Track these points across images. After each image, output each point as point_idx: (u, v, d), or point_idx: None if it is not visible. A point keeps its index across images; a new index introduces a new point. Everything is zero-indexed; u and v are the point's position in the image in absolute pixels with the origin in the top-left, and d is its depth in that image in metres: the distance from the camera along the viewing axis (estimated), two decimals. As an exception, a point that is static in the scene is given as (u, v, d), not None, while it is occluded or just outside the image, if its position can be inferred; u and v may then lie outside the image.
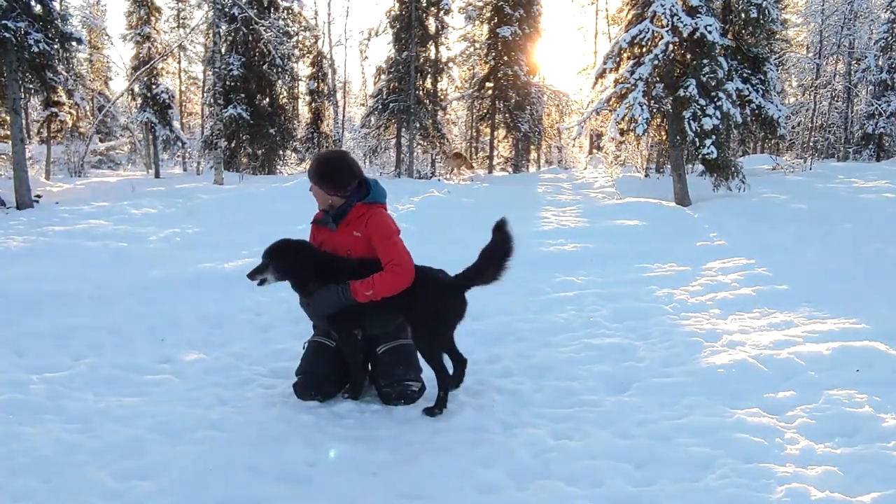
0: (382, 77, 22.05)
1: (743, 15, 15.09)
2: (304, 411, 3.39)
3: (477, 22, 24.26)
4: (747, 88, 14.77)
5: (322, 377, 3.56)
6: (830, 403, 3.30)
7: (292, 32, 24.60)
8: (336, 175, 3.58)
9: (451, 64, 22.88)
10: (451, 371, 3.61)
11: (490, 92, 24.10)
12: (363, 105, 30.53)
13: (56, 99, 17.98)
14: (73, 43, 13.46)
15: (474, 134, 27.69)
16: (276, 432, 3.11)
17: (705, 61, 12.25)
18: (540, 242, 8.62)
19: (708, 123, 12.08)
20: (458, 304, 3.60)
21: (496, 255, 3.53)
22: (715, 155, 12.20)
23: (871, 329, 4.41)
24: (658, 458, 2.85)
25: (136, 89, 23.67)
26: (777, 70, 18.43)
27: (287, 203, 11.81)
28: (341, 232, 3.56)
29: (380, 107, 21.71)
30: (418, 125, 21.22)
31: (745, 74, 15.12)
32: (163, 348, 4.35)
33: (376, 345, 3.62)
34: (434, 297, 3.49)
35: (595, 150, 27.39)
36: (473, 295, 5.99)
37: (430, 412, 3.39)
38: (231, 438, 3.01)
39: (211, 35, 18.92)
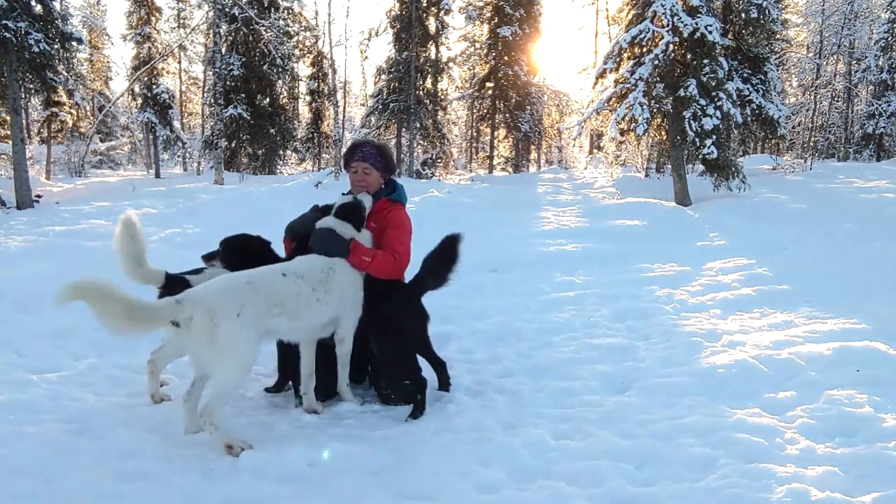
0: (383, 77, 22.06)
1: (743, 15, 15.11)
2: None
3: (477, 22, 24.27)
4: (748, 88, 14.78)
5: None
6: (831, 403, 3.30)
7: (293, 32, 24.61)
8: (392, 159, 3.87)
9: (451, 64, 22.89)
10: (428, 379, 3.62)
11: (490, 92, 24.12)
12: (363, 105, 30.55)
13: (56, 99, 17.97)
14: (74, 43, 13.46)
15: (474, 134, 27.69)
16: (277, 432, 3.12)
17: (706, 61, 12.25)
18: (540, 242, 8.62)
19: (708, 123, 12.09)
20: (421, 310, 3.70)
21: (441, 265, 3.66)
22: (715, 155, 12.21)
23: (871, 329, 4.41)
24: (659, 458, 2.85)
25: (137, 89, 23.67)
26: (777, 70, 18.43)
27: (287, 203, 11.78)
28: None
29: (380, 107, 21.71)
30: (418, 125, 21.23)
31: (745, 74, 15.14)
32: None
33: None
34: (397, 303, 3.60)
35: (595, 150, 27.42)
36: (474, 295, 6.00)
37: (412, 415, 3.36)
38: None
39: (211, 35, 18.91)
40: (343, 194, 3.77)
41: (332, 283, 3.24)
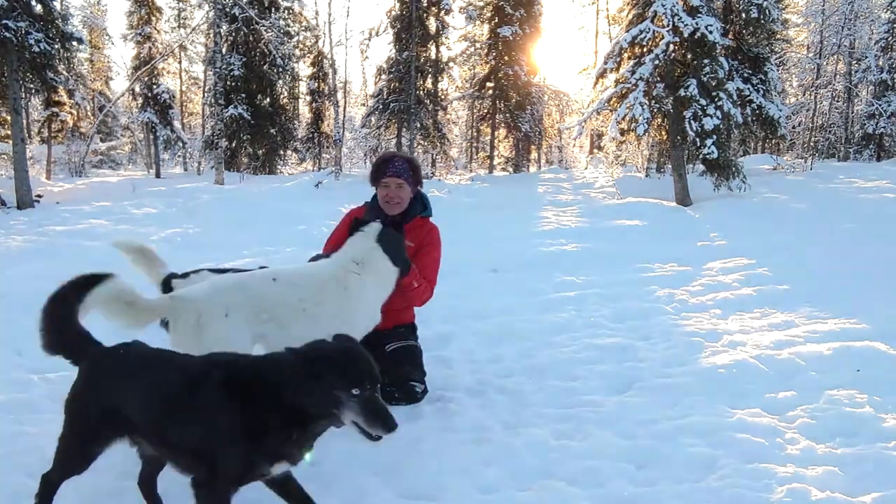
0: (383, 77, 22.05)
1: (744, 15, 15.10)
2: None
3: (477, 22, 24.23)
4: (748, 88, 14.77)
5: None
6: (831, 403, 3.31)
7: (293, 32, 24.61)
8: (420, 171, 3.76)
9: (451, 64, 22.88)
10: None
11: (490, 92, 24.08)
12: (364, 105, 30.51)
13: (57, 99, 17.98)
14: (74, 43, 13.48)
15: (475, 134, 27.68)
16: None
17: (706, 61, 12.25)
18: (540, 242, 8.62)
19: (709, 123, 12.09)
20: None
21: None
22: (716, 155, 12.21)
23: (871, 329, 4.42)
24: (659, 458, 2.85)
25: (137, 89, 23.68)
26: (777, 70, 18.42)
27: (287, 203, 11.81)
28: None
29: (380, 107, 21.71)
30: (419, 125, 21.22)
31: (745, 74, 15.13)
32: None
33: (384, 343, 3.62)
34: None
35: (596, 150, 27.42)
36: (474, 295, 6.00)
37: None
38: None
39: (212, 35, 18.93)
40: (369, 203, 3.75)
41: (331, 296, 2.97)
